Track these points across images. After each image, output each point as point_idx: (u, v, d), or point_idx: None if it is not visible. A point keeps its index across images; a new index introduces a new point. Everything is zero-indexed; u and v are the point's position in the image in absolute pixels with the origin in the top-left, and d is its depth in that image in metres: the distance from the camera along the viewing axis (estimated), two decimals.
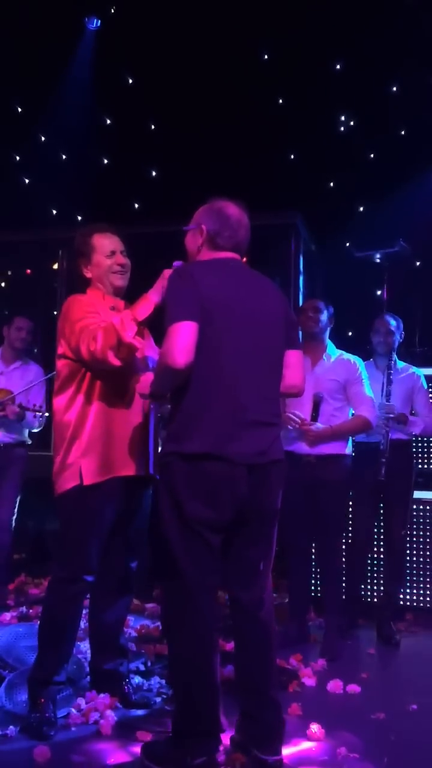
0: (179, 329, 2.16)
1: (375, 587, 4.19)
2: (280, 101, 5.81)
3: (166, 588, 2.31)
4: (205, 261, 2.37)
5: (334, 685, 3.01)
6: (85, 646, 3.06)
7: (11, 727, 2.50)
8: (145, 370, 2.62)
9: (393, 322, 3.92)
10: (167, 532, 2.24)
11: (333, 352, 3.70)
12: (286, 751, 2.36)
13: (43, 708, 2.52)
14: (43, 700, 2.53)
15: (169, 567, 2.25)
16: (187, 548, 2.22)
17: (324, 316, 3.66)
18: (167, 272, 2.43)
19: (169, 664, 2.35)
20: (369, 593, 4.17)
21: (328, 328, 3.72)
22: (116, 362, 2.46)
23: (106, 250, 2.69)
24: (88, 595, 2.75)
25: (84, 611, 2.64)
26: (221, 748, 2.26)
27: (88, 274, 2.73)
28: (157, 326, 2.47)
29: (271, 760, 2.27)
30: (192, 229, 2.43)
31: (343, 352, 3.73)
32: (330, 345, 3.72)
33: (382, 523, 3.98)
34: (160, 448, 2.66)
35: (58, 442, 2.63)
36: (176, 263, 2.44)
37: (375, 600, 4.11)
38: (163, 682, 2.90)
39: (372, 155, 5.62)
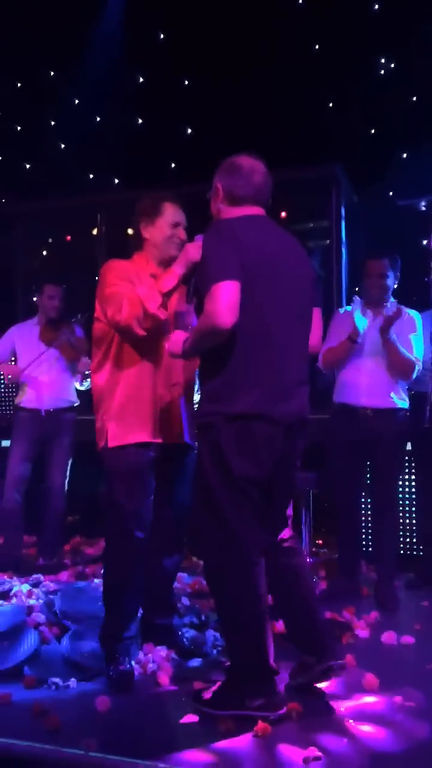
0: (222, 289, 2.15)
1: None
2: (316, 47, 5.60)
3: (212, 542, 2.34)
4: (241, 217, 2.33)
5: (388, 637, 3.02)
6: None
7: (73, 679, 2.60)
8: (183, 328, 2.62)
9: None
10: (213, 488, 2.28)
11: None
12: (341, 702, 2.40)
13: (119, 661, 2.59)
14: (118, 653, 2.61)
15: (216, 520, 2.29)
16: (233, 502, 2.26)
17: (390, 280, 3.60)
18: (189, 246, 2.49)
19: (219, 611, 2.41)
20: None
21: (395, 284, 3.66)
22: (140, 332, 2.55)
23: (172, 219, 2.72)
24: None
25: None
26: (278, 690, 2.32)
27: (146, 235, 2.74)
28: None
29: (336, 664, 2.40)
30: (211, 193, 2.43)
31: (404, 307, 3.64)
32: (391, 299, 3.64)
33: None
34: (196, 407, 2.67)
35: (94, 402, 2.73)
36: (198, 237, 2.46)
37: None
38: (218, 635, 2.96)
39: (414, 98, 5.40)
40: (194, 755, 2.09)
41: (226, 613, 2.36)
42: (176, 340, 2.42)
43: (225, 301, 2.14)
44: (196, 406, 3.21)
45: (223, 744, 2.16)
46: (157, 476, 2.70)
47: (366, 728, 2.25)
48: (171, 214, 2.72)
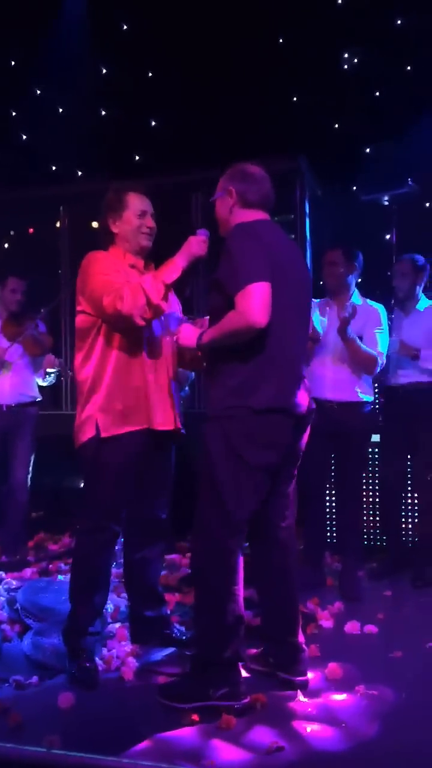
0: (257, 289, 2.24)
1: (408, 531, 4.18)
2: (280, 41, 5.61)
3: (209, 529, 2.36)
4: (257, 221, 2.42)
5: (352, 627, 3.05)
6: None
7: (35, 676, 2.56)
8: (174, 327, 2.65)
9: (419, 263, 3.83)
10: (219, 477, 2.33)
11: (357, 300, 3.65)
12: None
13: (83, 657, 2.56)
14: (82, 650, 2.58)
15: (218, 509, 2.33)
16: (238, 492, 2.33)
17: (343, 269, 3.60)
18: (193, 239, 2.54)
19: (198, 597, 2.41)
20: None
21: (354, 276, 3.65)
22: (141, 322, 2.52)
23: (138, 209, 2.69)
24: (120, 548, 2.81)
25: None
26: (242, 679, 2.34)
27: (115, 230, 2.71)
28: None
29: (299, 680, 2.44)
30: (220, 196, 2.50)
31: (368, 300, 3.67)
32: (355, 292, 3.66)
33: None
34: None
35: (78, 397, 2.66)
36: (200, 231, 2.55)
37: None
38: (183, 629, 2.95)
39: (378, 93, 5.45)
40: (158, 750, 2.08)
41: (207, 598, 2.37)
42: (187, 333, 2.47)
43: (260, 301, 2.23)
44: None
45: (187, 737, 2.15)
46: (143, 465, 2.67)
47: (329, 718, 2.26)
48: (136, 204, 2.70)
